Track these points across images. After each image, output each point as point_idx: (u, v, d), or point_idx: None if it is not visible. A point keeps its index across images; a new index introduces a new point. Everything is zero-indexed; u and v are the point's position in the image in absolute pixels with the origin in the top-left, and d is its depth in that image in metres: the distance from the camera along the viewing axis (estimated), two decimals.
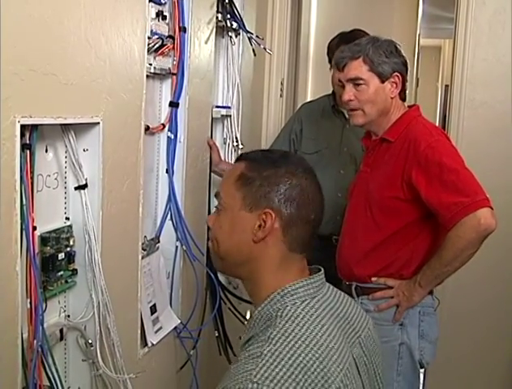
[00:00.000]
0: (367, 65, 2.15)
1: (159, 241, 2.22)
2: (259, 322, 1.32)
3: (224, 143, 2.82)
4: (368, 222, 2.20)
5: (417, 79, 7.22)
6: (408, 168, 2.07)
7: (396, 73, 2.18)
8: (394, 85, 2.19)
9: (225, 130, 2.81)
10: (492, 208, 2.00)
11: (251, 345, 1.25)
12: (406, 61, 2.22)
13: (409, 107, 2.28)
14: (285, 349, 1.20)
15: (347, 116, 3.03)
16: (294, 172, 1.34)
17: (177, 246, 2.29)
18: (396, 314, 2.18)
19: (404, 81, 2.22)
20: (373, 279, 2.20)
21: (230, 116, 2.78)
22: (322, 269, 1.42)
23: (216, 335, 2.64)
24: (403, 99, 2.26)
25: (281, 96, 3.59)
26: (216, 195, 1.42)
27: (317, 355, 1.21)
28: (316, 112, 3.03)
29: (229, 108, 2.75)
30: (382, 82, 2.17)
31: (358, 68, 2.16)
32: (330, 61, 2.96)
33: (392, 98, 2.20)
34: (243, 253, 1.37)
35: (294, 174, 1.34)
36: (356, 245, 2.26)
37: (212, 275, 2.48)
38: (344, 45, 2.30)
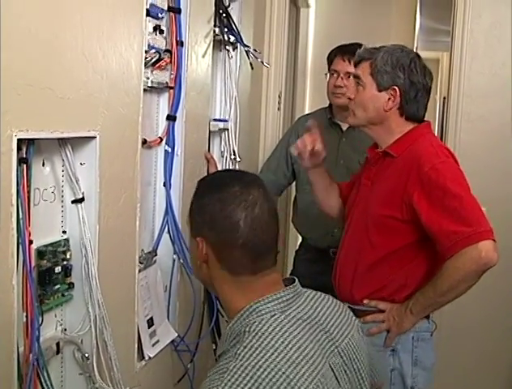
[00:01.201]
0: (371, 69, 2.11)
1: (156, 255, 2.23)
2: (229, 338, 1.33)
3: (222, 157, 2.82)
4: (363, 239, 2.12)
5: None
6: (410, 189, 1.98)
7: (395, 87, 2.08)
8: (392, 98, 2.09)
9: (223, 143, 2.81)
10: (494, 241, 1.90)
11: (220, 362, 1.26)
12: (412, 79, 2.09)
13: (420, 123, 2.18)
14: (251, 364, 1.20)
15: (343, 128, 3.04)
16: (221, 197, 1.35)
17: (174, 259, 2.29)
18: (387, 339, 2.11)
19: (405, 97, 2.10)
20: (365, 301, 2.12)
21: (228, 129, 2.78)
22: (296, 279, 1.42)
23: (214, 348, 2.63)
24: (409, 116, 2.13)
25: (279, 109, 3.60)
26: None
27: (283, 369, 1.21)
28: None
29: (227, 121, 2.76)
30: (379, 91, 2.10)
31: (364, 69, 2.14)
32: (329, 69, 2.98)
33: (386, 111, 2.11)
34: (201, 277, 1.45)
35: (220, 200, 1.35)
36: (350, 263, 2.18)
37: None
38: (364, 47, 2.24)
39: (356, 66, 2.20)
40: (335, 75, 2.94)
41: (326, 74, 3.05)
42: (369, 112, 2.14)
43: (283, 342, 1.26)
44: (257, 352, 1.23)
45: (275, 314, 1.32)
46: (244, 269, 1.36)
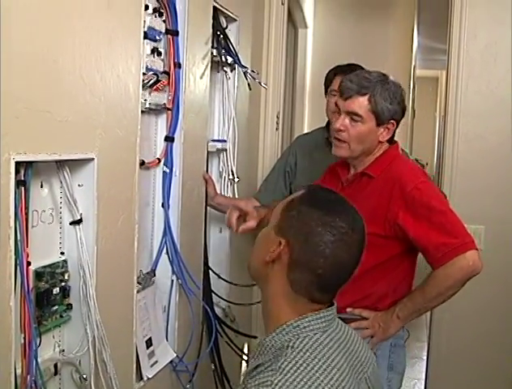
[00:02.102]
0: (370, 105, 2.13)
1: (154, 275, 2.23)
2: (269, 351, 1.35)
3: (220, 177, 2.84)
4: None
5: (413, 110, 7.29)
6: (394, 208, 2.08)
7: (393, 120, 2.18)
8: (387, 131, 2.19)
9: (221, 163, 2.83)
10: (477, 250, 2.05)
11: (260, 373, 1.27)
12: (405, 109, 2.22)
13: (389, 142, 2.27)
14: (296, 380, 1.23)
15: None
16: (329, 222, 1.37)
17: (172, 280, 2.29)
18: (369, 344, 2.14)
19: (397, 127, 2.23)
20: (348, 309, 2.16)
21: (226, 149, 2.80)
22: (335, 303, 1.44)
23: (213, 368, 2.63)
24: (390, 142, 2.27)
25: (277, 129, 3.62)
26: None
27: (326, 388, 1.23)
28: (310, 144, 3.06)
29: (225, 141, 2.78)
30: (378, 125, 2.16)
31: (362, 105, 2.14)
32: (326, 90, 2.99)
33: (381, 142, 2.20)
34: (258, 269, 1.46)
35: (326, 224, 1.37)
36: None
37: (208, 308, 2.48)
38: (352, 74, 2.22)
39: (347, 99, 2.17)
40: (334, 95, 2.95)
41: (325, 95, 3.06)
42: (364, 145, 2.18)
43: (325, 361, 1.30)
44: (301, 368, 1.26)
45: (317, 333, 1.35)
46: (306, 293, 1.39)
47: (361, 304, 2.17)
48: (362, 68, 2.68)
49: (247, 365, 1.45)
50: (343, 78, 2.22)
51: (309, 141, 3.09)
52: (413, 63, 5.73)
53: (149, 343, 2.12)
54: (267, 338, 1.37)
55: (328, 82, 2.97)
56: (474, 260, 2.00)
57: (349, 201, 1.52)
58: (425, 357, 3.74)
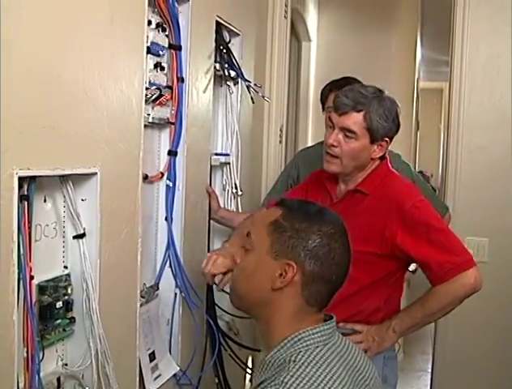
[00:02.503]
0: (365, 122, 2.08)
1: (158, 289, 2.24)
2: (271, 367, 1.36)
3: (224, 190, 2.85)
4: None
5: (417, 122, 7.30)
6: (392, 227, 2.05)
7: (387, 138, 2.14)
8: (380, 148, 2.14)
9: (224, 176, 2.84)
10: (478, 268, 2.06)
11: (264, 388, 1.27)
12: (399, 126, 2.17)
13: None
14: None
15: None
16: (326, 231, 1.38)
17: (176, 293, 2.30)
18: None
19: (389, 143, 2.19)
20: (340, 324, 2.06)
21: (229, 163, 2.81)
22: (334, 317, 1.45)
23: (216, 381, 2.63)
24: (382, 157, 2.22)
25: (280, 142, 3.63)
26: (247, 235, 1.46)
27: None
28: (312, 157, 3.05)
29: (228, 155, 2.79)
30: (371, 142, 2.11)
31: (356, 122, 2.08)
32: (323, 107, 2.98)
33: (373, 159, 2.16)
34: (260, 297, 1.43)
35: (326, 233, 1.38)
36: None
37: (212, 321, 2.49)
38: (347, 88, 2.16)
39: (342, 114, 2.11)
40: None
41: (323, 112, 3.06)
42: (357, 161, 2.14)
43: (327, 374, 1.30)
44: (304, 381, 1.26)
45: (318, 346, 1.36)
46: (320, 302, 1.41)
47: (354, 319, 2.14)
48: (358, 81, 2.67)
49: (251, 382, 1.45)
50: (338, 92, 2.17)
51: (311, 154, 3.08)
52: (416, 75, 5.74)
53: (152, 356, 2.13)
54: (269, 355, 1.38)
55: (324, 98, 2.95)
56: (475, 277, 2.01)
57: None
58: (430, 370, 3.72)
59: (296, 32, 4.87)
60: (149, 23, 1.98)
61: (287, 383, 1.25)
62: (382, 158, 2.21)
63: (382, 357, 2.18)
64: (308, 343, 1.35)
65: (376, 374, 1.49)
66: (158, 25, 2.06)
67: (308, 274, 1.37)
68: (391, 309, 2.16)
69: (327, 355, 1.34)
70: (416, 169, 11.43)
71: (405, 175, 2.86)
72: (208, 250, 2.58)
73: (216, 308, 2.63)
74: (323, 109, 2.96)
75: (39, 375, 1.43)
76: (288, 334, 1.36)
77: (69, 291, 1.64)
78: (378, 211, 2.10)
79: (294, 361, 1.31)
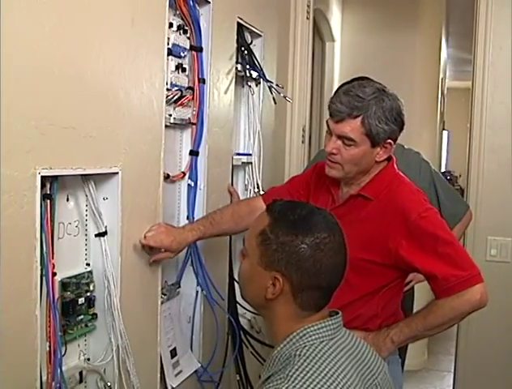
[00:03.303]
0: (364, 128, 1.94)
1: (179, 287, 2.27)
2: (278, 362, 1.38)
3: (246, 190, 2.88)
4: None
5: (443, 122, 7.26)
6: (396, 237, 1.96)
7: (390, 140, 1.99)
8: (384, 149, 2.00)
9: (247, 176, 2.87)
10: (484, 284, 1.96)
11: (269, 383, 1.30)
12: (403, 123, 2.01)
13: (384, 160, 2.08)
14: (303, 387, 1.26)
15: None
16: (311, 242, 1.38)
17: (197, 291, 2.33)
18: None
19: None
20: None
21: (251, 163, 2.84)
22: (340, 312, 1.46)
23: (238, 378, 2.65)
24: (386, 158, 2.06)
25: (303, 142, 3.65)
26: (243, 241, 1.49)
27: None
28: None
29: (250, 155, 2.82)
30: (373, 146, 1.98)
31: (354, 129, 1.94)
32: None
33: (378, 162, 2.03)
34: (257, 302, 1.47)
35: (310, 245, 1.38)
36: None
37: (233, 319, 2.52)
38: (342, 91, 2.00)
39: (337, 122, 1.98)
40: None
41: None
42: (360, 166, 2.02)
43: (331, 368, 1.32)
44: (308, 374, 1.28)
45: (323, 341, 1.38)
46: (315, 306, 1.42)
47: (351, 325, 1.91)
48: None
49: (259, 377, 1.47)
50: (333, 97, 2.03)
51: None
52: (441, 75, 5.72)
53: (174, 353, 2.16)
54: (276, 350, 1.40)
55: None
56: (482, 293, 1.92)
57: (317, 206, 1.52)
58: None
59: (320, 33, 4.88)
60: (170, 25, 2.02)
61: (292, 377, 1.27)
62: (389, 159, 2.09)
63: (386, 363, 2.13)
64: (313, 338, 1.37)
65: (385, 369, 1.50)
66: (179, 27, 2.09)
67: (296, 285, 1.38)
68: (390, 315, 2.09)
69: (333, 349, 1.36)
70: (443, 169, 11.38)
71: (424, 173, 2.85)
72: (230, 249, 2.62)
73: (238, 306, 2.66)
74: None
75: (61, 369, 1.48)
76: (294, 330, 1.38)
77: (91, 287, 1.68)
78: (382, 219, 2.00)
79: (299, 355, 1.33)
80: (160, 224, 1.96)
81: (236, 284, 2.66)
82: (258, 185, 2.86)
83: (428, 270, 1.95)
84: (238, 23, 2.54)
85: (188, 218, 2.27)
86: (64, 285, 1.60)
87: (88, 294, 1.67)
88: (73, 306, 1.61)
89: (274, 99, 2.86)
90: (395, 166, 2.10)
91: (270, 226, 1.42)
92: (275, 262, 1.39)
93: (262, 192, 2.85)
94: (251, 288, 1.47)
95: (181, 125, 2.21)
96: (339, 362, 1.34)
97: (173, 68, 2.07)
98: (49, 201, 1.44)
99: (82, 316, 1.65)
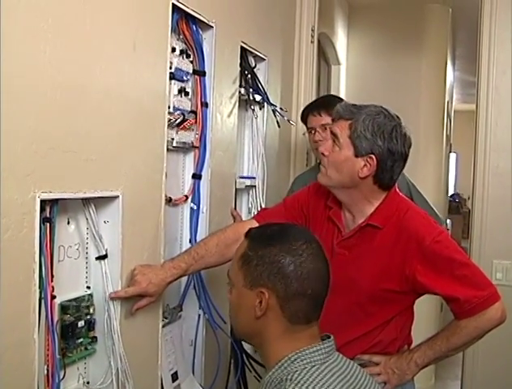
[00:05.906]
0: (350, 131, 1.96)
1: (181, 310, 2.27)
2: (269, 387, 1.37)
3: (249, 213, 2.88)
4: (355, 312, 2.04)
5: (450, 145, 7.26)
6: (412, 264, 1.95)
7: (373, 155, 1.95)
8: (368, 166, 1.96)
9: (250, 199, 2.87)
10: (502, 300, 2.01)
11: None
12: (393, 148, 1.97)
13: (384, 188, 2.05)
14: None
15: None
16: (287, 249, 1.40)
17: (199, 315, 2.33)
18: None
19: (382, 166, 1.97)
20: (358, 356, 2.03)
21: (255, 186, 2.84)
22: (332, 336, 1.46)
23: None
24: (382, 185, 2.02)
25: (307, 165, 3.65)
26: (227, 273, 1.50)
27: None
28: (307, 181, 2.98)
29: (254, 178, 2.82)
30: (356, 156, 1.96)
31: (342, 129, 1.98)
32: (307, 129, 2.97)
33: (361, 178, 1.98)
34: (249, 328, 1.46)
35: (288, 252, 1.40)
36: (340, 332, 1.82)
37: (235, 343, 2.51)
38: (349, 103, 2.08)
39: (333, 120, 2.05)
40: (313, 132, 2.91)
41: (303, 133, 3.09)
42: (342, 175, 2.00)
43: None
44: None
45: (315, 365, 1.37)
46: (304, 317, 1.42)
47: (372, 350, 2.05)
48: (340, 99, 2.67)
49: None
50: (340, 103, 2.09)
51: (305, 178, 2.99)
52: (447, 98, 5.73)
53: (175, 376, 2.15)
54: (267, 375, 1.40)
55: (304, 122, 2.94)
56: (502, 310, 1.97)
57: (284, 222, 1.59)
58: None
59: (326, 56, 4.91)
60: (173, 49, 2.04)
61: None
62: (390, 188, 2.06)
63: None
64: (305, 362, 1.36)
65: None
66: (182, 51, 2.12)
67: (282, 295, 1.39)
68: (406, 335, 2.11)
69: (324, 373, 1.35)
70: (451, 191, 11.35)
71: (401, 183, 2.76)
72: None
73: None
74: (307, 129, 2.94)
75: None
76: (285, 354, 1.38)
77: (91, 310, 1.69)
78: (396, 247, 1.98)
79: (290, 380, 1.32)
80: (136, 266, 1.87)
81: None
82: (261, 208, 2.86)
83: (450, 293, 1.97)
84: (242, 47, 2.56)
85: (190, 241, 2.27)
86: (64, 308, 1.60)
87: (88, 317, 1.68)
88: (73, 329, 1.61)
89: (278, 122, 2.87)
90: (397, 190, 2.09)
91: (249, 246, 1.45)
92: (258, 277, 1.40)
93: None
94: (241, 314, 1.48)
95: (183, 148, 2.22)
96: (331, 387, 1.33)
97: (176, 92, 2.09)
98: (48, 224, 1.45)
99: (81, 339, 1.65)
